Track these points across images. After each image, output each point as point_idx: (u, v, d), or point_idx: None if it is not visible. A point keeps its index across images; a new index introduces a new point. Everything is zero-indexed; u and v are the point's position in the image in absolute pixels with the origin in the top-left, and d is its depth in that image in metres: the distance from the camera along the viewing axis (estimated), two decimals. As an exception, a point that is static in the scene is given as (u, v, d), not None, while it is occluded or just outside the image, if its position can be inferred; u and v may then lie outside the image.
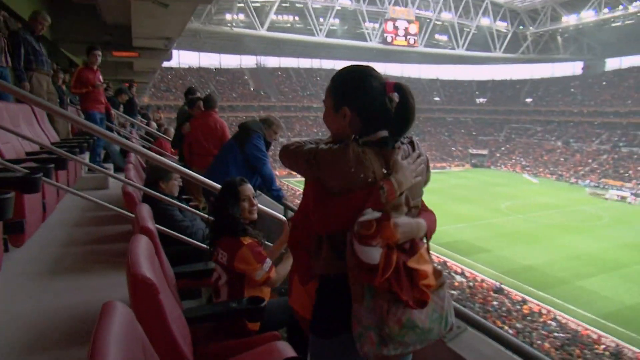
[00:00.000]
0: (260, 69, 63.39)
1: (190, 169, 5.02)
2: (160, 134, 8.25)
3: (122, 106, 9.19)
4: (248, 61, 63.70)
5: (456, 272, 21.63)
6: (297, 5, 50.65)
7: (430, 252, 1.47)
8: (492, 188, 41.72)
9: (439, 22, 56.57)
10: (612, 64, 61.80)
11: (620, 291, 19.26)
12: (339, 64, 68.67)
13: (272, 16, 48.07)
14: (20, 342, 2.00)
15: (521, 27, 58.58)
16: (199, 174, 3.94)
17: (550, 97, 62.07)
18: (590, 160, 49.09)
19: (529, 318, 17.17)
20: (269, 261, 2.26)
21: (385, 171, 1.40)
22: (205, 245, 2.77)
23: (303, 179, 1.60)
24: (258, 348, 1.83)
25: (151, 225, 1.90)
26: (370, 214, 1.35)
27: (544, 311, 17.71)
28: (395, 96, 1.44)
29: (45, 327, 2.14)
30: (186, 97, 6.30)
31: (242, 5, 46.18)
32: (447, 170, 54.54)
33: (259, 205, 3.03)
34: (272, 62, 65.53)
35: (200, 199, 4.79)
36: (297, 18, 54.25)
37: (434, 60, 69.09)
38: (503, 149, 59.43)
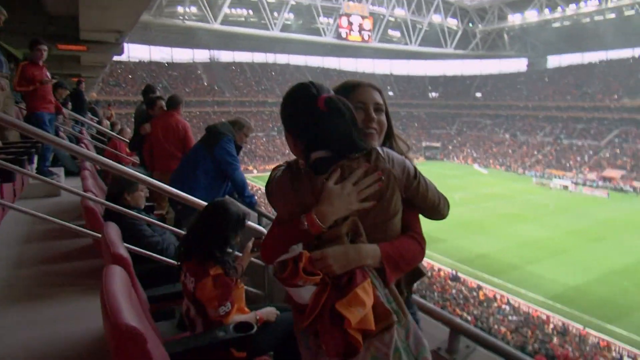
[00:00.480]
0: (213, 64, 61.87)
1: (152, 174, 4.75)
2: (115, 134, 7.67)
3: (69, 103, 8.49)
4: (201, 55, 62.04)
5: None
6: (251, -2, 49.92)
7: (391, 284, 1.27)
8: (445, 180, 42.88)
9: (393, 18, 57.36)
10: (553, 61, 65.18)
11: (564, 274, 20.29)
12: (294, 59, 68.44)
13: (226, 9, 46.99)
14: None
15: (470, 25, 60.55)
16: (163, 180, 3.66)
17: (498, 92, 64.57)
18: (535, 152, 51.50)
19: (484, 304, 17.85)
20: (229, 305, 1.99)
21: (316, 200, 1.24)
22: (175, 262, 2.57)
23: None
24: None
25: (123, 250, 1.67)
26: (288, 253, 1.19)
27: (498, 296, 18.45)
28: (328, 113, 1.25)
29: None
30: (145, 96, 5.92)
31: (194, -3, 44.98)
32: (402, 163, 55.48)
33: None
34: (226, 56, 64.11)
35: (164, 205, 4.49)
36: (251, 12, 53.30)
37: (388, 56, 70.13)
38: (455, 141, 61.25)
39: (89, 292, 2.45)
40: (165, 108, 5.12)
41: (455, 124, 65.11)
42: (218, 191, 3.79)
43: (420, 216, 1.45)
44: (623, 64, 54.40)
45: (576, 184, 40.21)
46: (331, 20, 54.42)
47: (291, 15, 54.32)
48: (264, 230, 2.93)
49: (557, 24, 55.74)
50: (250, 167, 44.80)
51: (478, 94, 66.64)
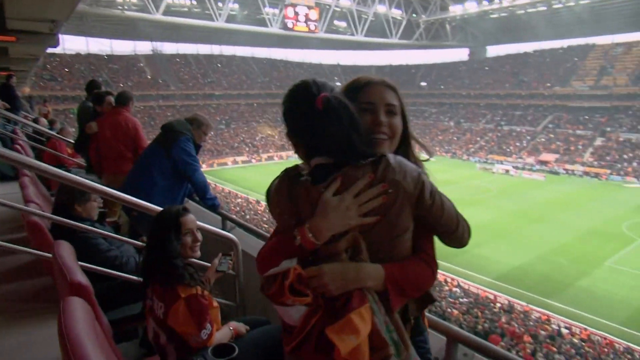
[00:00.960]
0: (157, 56, 59.36)
1: (100, 177, 4.43)
2: (54, 133, 6.96)
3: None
4: (143, 47, 59.35)
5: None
6: (195, -12, 48.26)
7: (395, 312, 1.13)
8: (396, 168, 43.83)
9: (338, 9, 57.35)
10: (493, 51, 68.06)
11: (508, 254, 21.27)
12: (240, 50, 67.08)
13: (168, -1, 45.17)
14: None
15: (414, 15, 61.74)
16: (113, 184, 3.39)
17: (442, 81, 66.58)
18: (478, 138, 53.61)
19: (437, 288, 18.44)
20: (209, 327, 1.79)
21: (313, 211, 1.13)
22: (136, 278, 2.37)
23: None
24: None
25: (82, 277, 1.46)
26: (275, 268, 1.08)
27: (448, 279, 19.10)
28: (327, 114, 1.13)
29: None
30: (89, 92, 5.48)
31: (133, -14, 42.82)
32: (353, 153, 56.19)
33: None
34: (169, 48, 61.80)
35: (115, 211, 4.19)
36: (194, 2, 51.50)
37: (335, 46, 70.38)
38: (402, 130, 62.53)
39: (39, 317, 2.20)
40: (114, 104, 4.73)
41: (402, 113, 66.41)
42: (177, 194, 3.54)
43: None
44: (554, 54, 57.73)
45: (516, 168, 42.28)
46: (277, 11, 53.60)
47: (236, 6, 53.02)
48: (229, 235, 2.79)
49: (495, 15, 58.08)
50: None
51: (423, 83, 68.33)
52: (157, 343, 1.81)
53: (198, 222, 2.62)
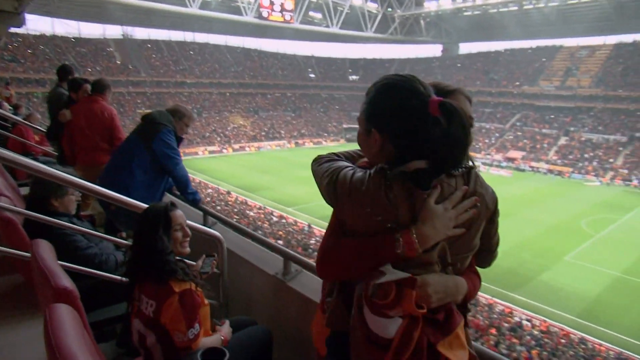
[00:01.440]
0: (127, 41, 57.33)
1: (73, 167, 4.27)
2: (20, 119, 6.52)
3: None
4: (113, 31, 57.43)
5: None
6: (167, -28, 46.72)
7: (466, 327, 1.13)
8: (368, 162, 44.19)
9: (314, 0, 57.01)
10: (465, 48, 69.50)
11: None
12: (214, 38, 65.80)
13: (139, -18, 43.69)
14: None
15: (389, 10, 61.95)
16: (86, 175, 3.27)
17: (415, 75, 67.21)
18: (449, 135, 54.59)
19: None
20: (197, 327, 1.76)
21: (413, 215, 1.07)
22: (118, 277, 2.30)
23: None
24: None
25: (67, 281, 1.39)
26: (390, 274, 1.02)
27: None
28: (442, 119, 1.08)
29: None
30: (61, 77, 5.20)
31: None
32: (324, 145, 56.51)
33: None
34: (140, 33, 59.79)
35: (89, 203, 4.03)
36: (167, -14, 50.07)
37: (309, 37, 69.94)
38: (375, 124, 62.92)
39: (13, 319, 2.10)
40: (89, 93, 4.51)
41: (375, 107, 66.83)
42: (157, 189, 3.44)
43: None
44: (524, 54, 59.19)
45: (485, 164, 43.34)
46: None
47: (210, -8, 51.94)
48: (214, 233, 2.74)
49: (468, 13, 59.13)
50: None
51: (396, 78, 68.74)
52: (143, 345, 1.75)
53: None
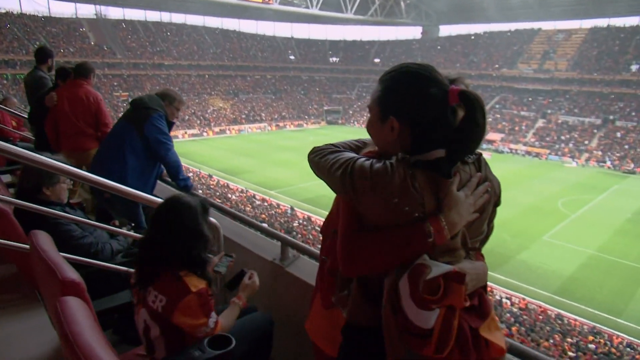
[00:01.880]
0: (101, 21, 55.37)
1: (57, 153, 4.15)
2: None
3: None
4: (85, 10, 55.16)
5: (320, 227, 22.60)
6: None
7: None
8: (349, 145, 44.24)
9: (293, -20, 56.09)
10: (445, 30, 69.49)
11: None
12: (191, 19, 64.20)
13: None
14: None
15: (369, -9, 61.47)
16: (70, 161, 3.21)
17: (395, 57, 67.10)
18: (429, 117, 55.00)
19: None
20: (214, 314, 1.74)
21: (436, 203, 1.08)
22: (115, 266, 2.26)
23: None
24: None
25: (74, 273, 1.36)
26: (437, 268, 1.01)
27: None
28: (460, 107, 1.10)
29: None
30: (40, 60, 4.99)
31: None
32: (305, 127, 56.44)
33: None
34: (114, 12, 58.00)
35: (76, 190, 3.92)
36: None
37: (289, 19, 68.99)
38: (355, 106, 62.84)
39: (9, 310, 2.07)
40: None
41: (356, 89, 66.77)
42: (150, 175, 3.38)
43: None
44: (503, 36, 59.57)
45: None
46: (231, -22, 51.64)
47: (187, -29, 50.54)
48: (210, 219, 2.70)
49: (448, -5, 59.12)
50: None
51: (377, 60, 68.68)
52: (147, 336, 1.72)
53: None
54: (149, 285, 1.69)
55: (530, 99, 50.22)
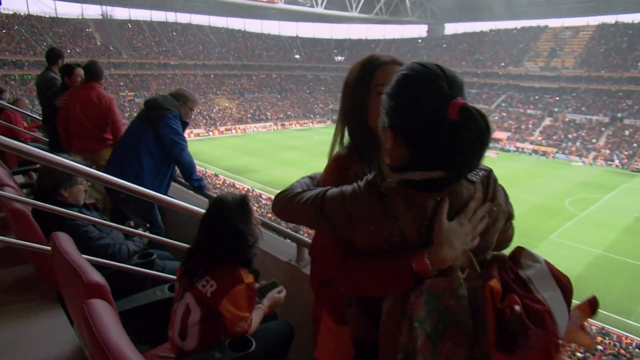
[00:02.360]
0: (107, 21, 55.62)
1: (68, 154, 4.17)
2: (6, 103, 6.38)
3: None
4: (91, 11, 55.47)
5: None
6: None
7: None
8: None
9: (298, -21, 56.09)
10: (450, 29, 69.23)
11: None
12: (196, 18, 64.34)
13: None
14: None
15: (374, -11, 61.38)
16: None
17: (401, 56, 62.18)
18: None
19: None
20: (252, 315, 1.83)
21: (419, 227, 0.98)
22: (133, 267, 2.28)
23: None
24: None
25: (98, 276, 1.37)
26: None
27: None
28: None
29: None
30: (51, 61, 5.00)
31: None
32: (310, 127, 56.42)
33: (180, 202, 2.60)
34: (120, 13, 58.22)
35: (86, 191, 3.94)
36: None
37: (294, 18, 69.04)
38: (361, 106, 62.69)
39: (27, 311, 2.06)
40: (83, 77, 4.36)
41: (362, 88, 66.54)
42: (165, 175, 3.40)
43: None
44: (509, 34, 59.26)
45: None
46: (236, -22, 51.74)
47: (192, -30, 50.67)
48: None
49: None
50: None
51: (382, 59, 68.35)
52: (184, 322, 1.76)
53: (186, 205, 2.57)
54: (205, 274, 1.76)
55: (537, 97, 49.90)
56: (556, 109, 47.04)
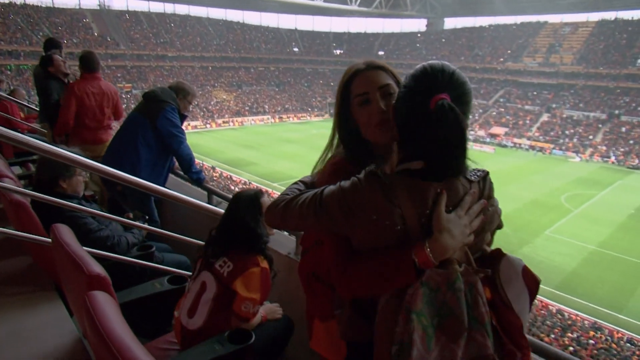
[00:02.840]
0: (104, 11, 55.17)
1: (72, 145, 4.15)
2: (3, 94, 6.18)
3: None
4: (88, 1, 54.89)
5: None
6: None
7: None
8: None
9: (298, -29, 55.63)
10: (450, 23, 69.13)
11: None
12: (195, 10, 63.83)
13: (114, -51, 41.83)
14: None
15: (374, -18, 61.02)
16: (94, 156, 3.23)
17: (399, 50, 66.87)
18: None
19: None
20: (262, 305, 1.93)
21: (420, 216, 1.02)
22: (133, 259, 2.29)
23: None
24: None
25: (99, 268, 1.38)
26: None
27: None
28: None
29: None
30: (47, 50, 4.99)
31: None
32: (308, 120, 56.33)
33: (178, 194, 2.61)
34: (118, 3, 57.70)
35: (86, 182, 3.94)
36: (144, -47, 48.14)
37: (293, 10, 68.59)
38: (359, 100, 62.56)
39: (24, 303, 2.07)
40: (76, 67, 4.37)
41: (360, 82, 66.36)
42: (163, 167, 3.40)
43: None
44: (508, 29, 59.13)
45: (468, 140, 43.70)
46: (234, -31, 51.27)
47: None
48: (218, 210, 2.71)
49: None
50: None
51: (381, 52, 68.27)
52: (198, 298, 1.86)
53: (184, 197, 2.57)
54: (223, 256, 1.91)
55: (535, 92, 49.91)
56: (554, 105, 47.09)
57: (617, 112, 42.72)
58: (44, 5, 50.94)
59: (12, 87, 7.27)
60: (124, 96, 45.55)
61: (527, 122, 45.99)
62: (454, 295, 0.99)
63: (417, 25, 71.20)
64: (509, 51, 55.32)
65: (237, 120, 51.30)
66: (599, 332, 13.54)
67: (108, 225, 2.50)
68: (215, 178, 26.94)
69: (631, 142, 38.46)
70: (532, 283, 1.11)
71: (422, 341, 0.96)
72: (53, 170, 2.43)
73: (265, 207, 2.03)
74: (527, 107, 48.49)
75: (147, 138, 3.27)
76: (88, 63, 4.26)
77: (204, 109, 51.01)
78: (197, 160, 3.56)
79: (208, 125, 48.38)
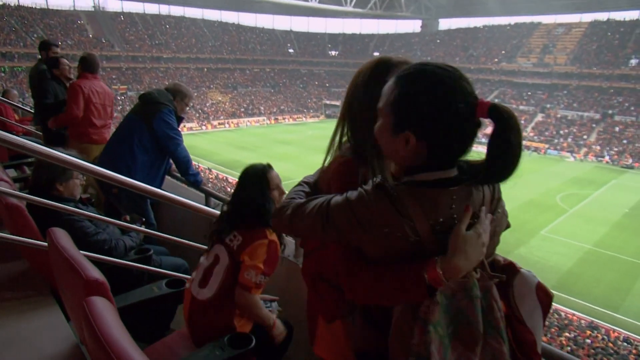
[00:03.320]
0: (99, 13, 54.92)
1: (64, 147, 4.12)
2: None
3: None
4: (83, 2, 54.68)
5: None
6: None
7: None
8: (347, 139, 44.22)
9: (293, -27, 55.65)
10: (444, 24, 69.34)
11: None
12: (190, 11, 63.72)
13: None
14: None
15: (369, -16, 61.17)
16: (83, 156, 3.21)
17: (395, 51, 66.89)
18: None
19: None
20: (266, 278, 1.93)
21: (434, 225, 0.96)
22: (130, 263, 2.26)
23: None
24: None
25: (97, 273, 1.35)
26: None
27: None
28: (488, 122, 0.97)
29: None
30: (45, 53, 4.93)
31: None
32: (304, 121, 56.33)
33: (175, 196, 2.59)
34: (113, 5, 57.48)
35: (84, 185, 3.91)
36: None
37: (288, 12, 68.63)
38: (355, 101, 62.67)
39: (19, 308, 2.04)
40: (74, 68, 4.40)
41: (355, 83, 66.51)
42: (158, 170, 3.37)
43: None
44: (502, 30, 59.45)
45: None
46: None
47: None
48: (216, 212, 2.68)
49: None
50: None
51: (376, 53, 68.06)
52: (210, 269, 1.93)
53: (181, 199, 2.55)
54: (234, 229, 1.97)
55: (529, 93, 50.18)
56: (548, 105, 47.36)
57: (610, 112, 43.01)
58: (38, 7, 50.65)
59: (4, 89, 7.17)
60: (119, 98, 45.39)
61: (522, 122, 46.17)
62: (470, 302, 0.95)
63: (412, 26, 71.56)
64: (503, 52, 55.61)
65: (232, 122, 51.21)
66: (595, 332, 13.59)
67: (105, 228, 2.47)
68: (211, 180, 26.88)
69: (625, 141, 38.74)
70: (545, 298, 1.08)
71: (439, 353, 0.92)
72: (49, 173, 2.40)
73: (272, 181, 2.10)
74: (522, 107, 48.71)
75: (143, 140, 3.25)
76: (90, 64, 4.27)
77: (200, 111, 50.89)
78: (193, 163, 3.53)
79: (203, 127, 48.26)
